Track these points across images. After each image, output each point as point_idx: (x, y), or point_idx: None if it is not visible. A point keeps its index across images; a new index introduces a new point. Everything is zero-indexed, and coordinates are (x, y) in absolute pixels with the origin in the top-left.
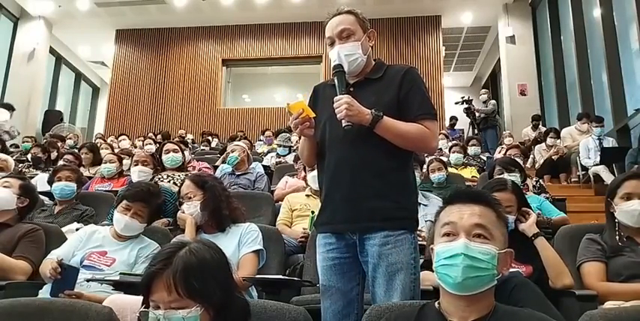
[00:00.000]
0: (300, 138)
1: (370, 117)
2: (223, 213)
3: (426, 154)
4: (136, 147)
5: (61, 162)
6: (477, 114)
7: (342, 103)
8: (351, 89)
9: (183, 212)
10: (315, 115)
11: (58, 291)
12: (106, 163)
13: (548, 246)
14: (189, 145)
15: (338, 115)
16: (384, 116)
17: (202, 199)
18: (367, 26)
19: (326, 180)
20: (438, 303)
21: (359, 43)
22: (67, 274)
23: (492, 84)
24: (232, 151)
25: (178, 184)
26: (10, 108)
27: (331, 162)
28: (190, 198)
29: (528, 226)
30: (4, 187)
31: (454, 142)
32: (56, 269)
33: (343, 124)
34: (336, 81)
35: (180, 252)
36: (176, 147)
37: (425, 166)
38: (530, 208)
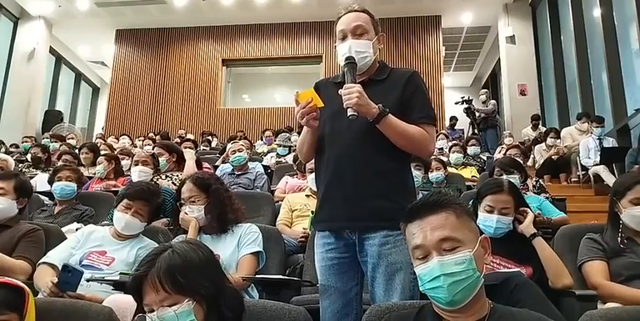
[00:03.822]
0: (299, 133)
1: (377, 111)
2: (229, 217)
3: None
4: (136, 147)
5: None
6: (477, 114)
7: (354, 91)
8: None
9: (186, 214)
10: (322, 105)
11: (61, 292)
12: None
13: (546, 246)
14: None
15: (346, 103)
16: (389, 113)
17: (206, 203)
18: (379, 29)
19: (325, 177)
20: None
21: (371, 43)
22: (70, 277)
23: (492, 84)
24: (239, 151)
25: (177, 184)
26: None
27: (331, 159)
28: (194, 202)
29: (525, 227)
30: (0, 195)
31: (454, 142)
32: (52, 289)
33: (348, 114)
34: (347, 72)
35: (164, 254)
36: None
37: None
38: (528, 207)
